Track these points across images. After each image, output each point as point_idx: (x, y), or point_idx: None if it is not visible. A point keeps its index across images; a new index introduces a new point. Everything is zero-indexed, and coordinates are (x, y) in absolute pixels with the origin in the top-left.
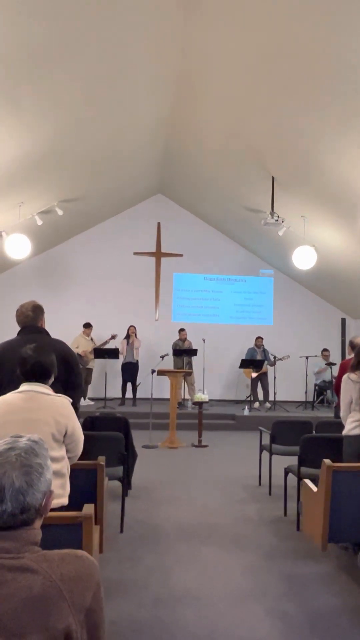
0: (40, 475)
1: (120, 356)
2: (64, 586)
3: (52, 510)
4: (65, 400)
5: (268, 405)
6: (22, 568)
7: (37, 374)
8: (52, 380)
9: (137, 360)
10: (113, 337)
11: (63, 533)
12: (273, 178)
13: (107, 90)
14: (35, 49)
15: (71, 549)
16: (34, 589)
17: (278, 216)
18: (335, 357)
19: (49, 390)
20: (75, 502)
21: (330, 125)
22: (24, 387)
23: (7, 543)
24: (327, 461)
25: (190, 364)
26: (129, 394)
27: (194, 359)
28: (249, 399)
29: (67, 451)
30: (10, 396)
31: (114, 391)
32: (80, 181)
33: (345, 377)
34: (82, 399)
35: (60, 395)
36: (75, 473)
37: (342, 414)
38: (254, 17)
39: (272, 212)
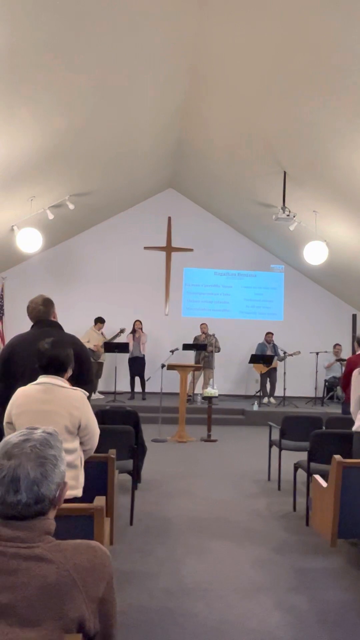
0: (54, 467)
1: None
2: (78, 576)
3: (65, 501)
4: (80, 394)
5: (273, 400)
6: (36, 557)
7: (53, 367)
8: (69, 373)
9: (144, 355)
10: (122, 330)
11: (75, 524)
12: (285, 173)
13: (119, 85)
14: (48, 43)
15: (84, 540)
16: (48, 578)
17: (289, 211)
18: (346, 353)
19: (65, 383)
20: (87, 494)
21: (343, 119)
22: (42, 379)
23: (22, 533)
24: (337, 457)
25: (207, 359)
26: (137, 388)
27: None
28: (258, 394)
29: (81, 444)
30: (28, 388)
31: (124, 385)
32: (91, 175)
33: (355, 372)
34: (93, 392)
35: (76, 388)
36: (86, 465)
37: (352, 409)
38: (267, 10)
39: (284, 207)
